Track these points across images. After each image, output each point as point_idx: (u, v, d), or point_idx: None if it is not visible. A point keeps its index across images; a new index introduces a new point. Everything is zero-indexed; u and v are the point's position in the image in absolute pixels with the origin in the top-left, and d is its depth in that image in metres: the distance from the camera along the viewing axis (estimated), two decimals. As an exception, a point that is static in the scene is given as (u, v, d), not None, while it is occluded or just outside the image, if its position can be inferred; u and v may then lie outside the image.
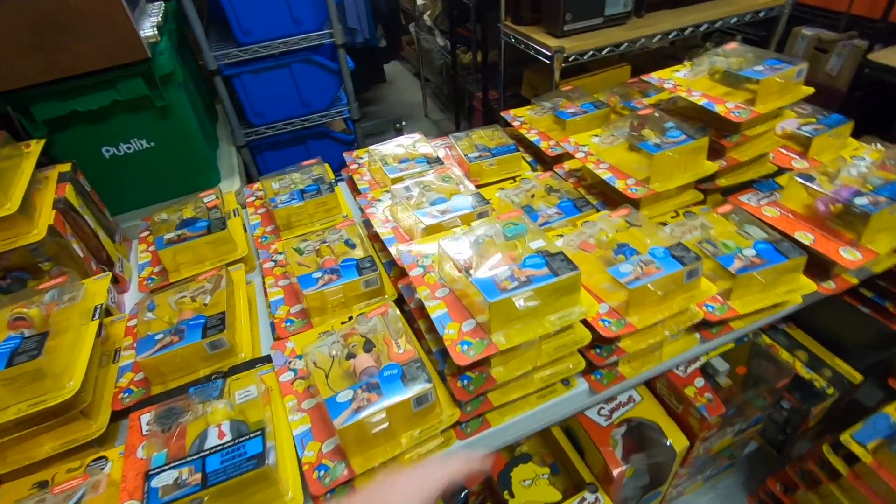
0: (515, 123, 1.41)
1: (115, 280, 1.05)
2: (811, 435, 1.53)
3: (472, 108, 2.64)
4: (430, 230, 0.92)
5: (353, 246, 0.98)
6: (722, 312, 0.84)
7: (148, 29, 1.13)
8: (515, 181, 1.22)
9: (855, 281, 0.96)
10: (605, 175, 1.05)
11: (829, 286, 0.94)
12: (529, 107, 1.42)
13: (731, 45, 1.16)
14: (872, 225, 0.88)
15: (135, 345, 0.82)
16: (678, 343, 0.87)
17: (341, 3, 2.68)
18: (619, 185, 1.01)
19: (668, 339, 0.82)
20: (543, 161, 1.31)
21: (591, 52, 1.57)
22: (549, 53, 1.54)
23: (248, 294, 1.00)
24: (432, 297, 0.76)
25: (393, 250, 0.91)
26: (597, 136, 1.17)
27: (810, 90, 1.07)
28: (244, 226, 1.16)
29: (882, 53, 2.03)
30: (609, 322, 0.75)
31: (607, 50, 1.58)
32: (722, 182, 1.12)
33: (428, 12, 3.11)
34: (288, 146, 1.94)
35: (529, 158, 1.34)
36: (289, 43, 1.69)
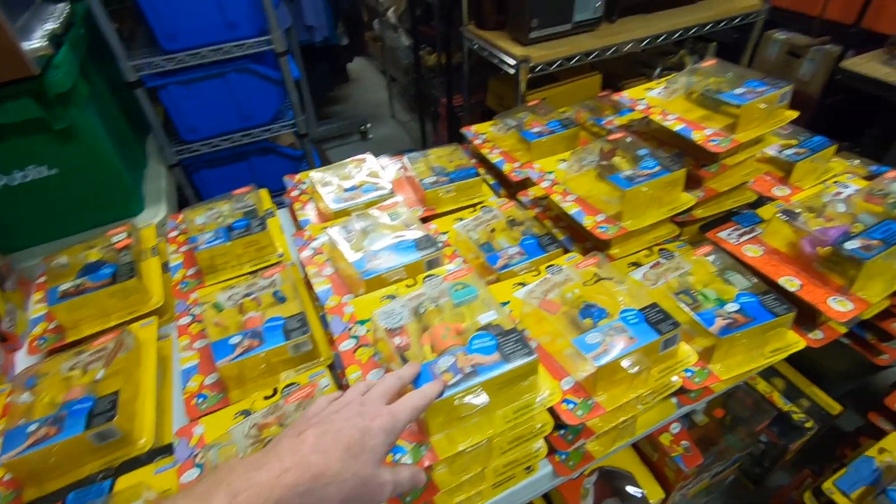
0: (477, 141, 1.28)
1: (2, 338, 0.89)
2: (789, 465, 1.47)
3: (438, 114, 2.50)
4: (371, 284, 0.79)
5: (282, 300, 0.84)
6: (702, 378, 0.74)
7: (38, 40, 0.95)
8: (476, 209, 1.11)
9: (843, 330, 0.87)
10: (573, 210, 0.93)
11: (816, 336, 0.86)
12: (493, 122, 1.30)
13: (710, 63, 1.06)
14: (865, 272, 0.79)
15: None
16: (652, 412, 0.77)
17: (295, 2, 2.50)
18: (587, 222, 0.90)
19: (641, 412, 0.72)
20: (508, 184, 1.20)
21: (560, 62, 1.45)
22: (513, 63, 1.42)
23: (161, 354, 0.85)
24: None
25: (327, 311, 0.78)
26: (564, 160, 1.05)
27: (795, 114, 0.98)
28: (165, 265, 1.01)
29: (854, 61, 1.98)
30: (574, 403, 0.64)
31: (576, 59, 1.47)
32: (699, 213, 1.03)
33: (392, 8, 2.95)
34: (228, 163, 1.76)
35: (492, 181, 1.23)
36: (222, 50, 1.51)
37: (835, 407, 1.35)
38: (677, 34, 1.59)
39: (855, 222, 0.87)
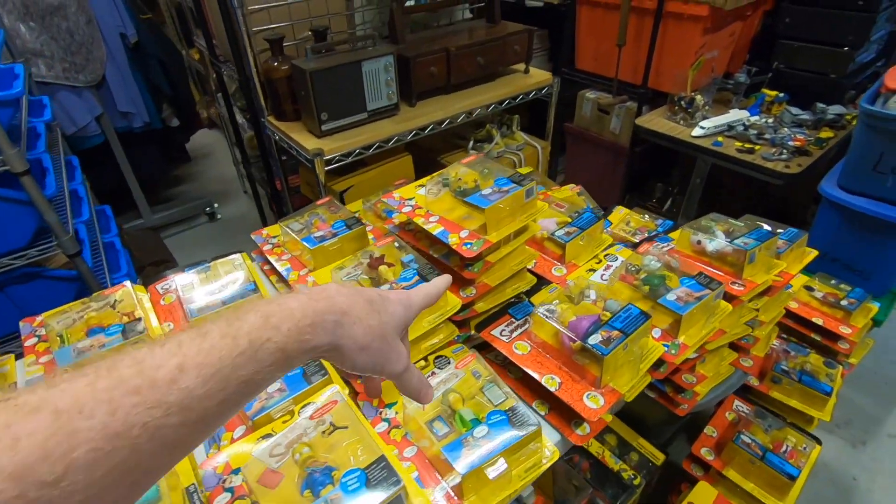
0: (266, 247, 1.20)
1: None
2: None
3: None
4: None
5: None
6: (455, 520, 0.69)
7: None
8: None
9: (609, 418, 0.89)
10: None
11: (584, 432, 0.86)
12: (285, 221, 1.22)
13: (471, 158, 1.08)
14: (608, 366, 0.81)
15: None
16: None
17: (101, 89, 2.31)
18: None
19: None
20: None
21: (358, 151, 1.43)
22: (308, 157, 1.37)
23: None
24: None
25: None
26: (339, 268, 1.00)
27: (543, 207, 1.01)
28: None
29: (645, 118, 2.23)
30: None
31: (376, 146, 1.46)
32: (481, 307, 1.02)
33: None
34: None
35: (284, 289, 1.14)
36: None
37: (658, 457, 1.40)
38: (476, 112, 1.67)
39: (604, 310, 0.90)
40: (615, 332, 0.82)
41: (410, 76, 1.50)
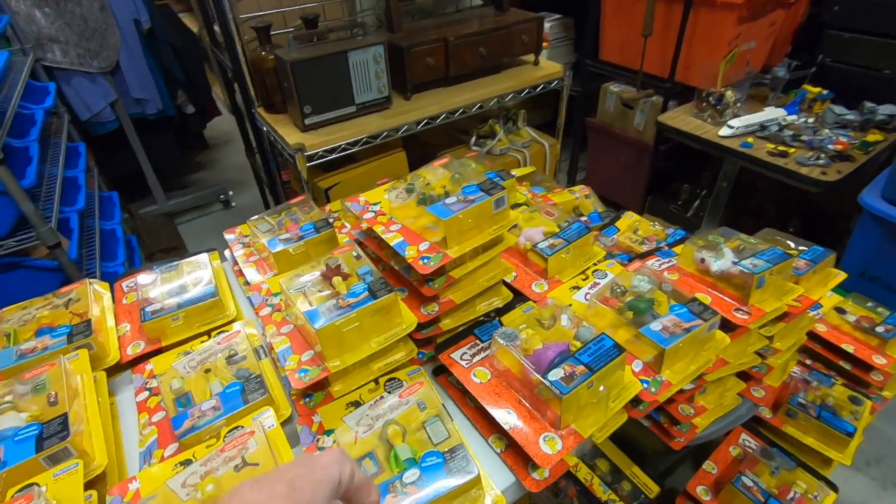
0: (237, 247, 1.15)
1: None
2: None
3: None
4: None
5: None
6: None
7: None
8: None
9: (573, 461, 0.79)
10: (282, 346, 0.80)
11: (541, 476, 0.76)
12: (254, 221, 1.16)
13: (442, 161, 0.99)
14: (569, 405, 0.71)
15: None
16: None
17: (116, 75, 2.32)
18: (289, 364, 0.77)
19: None
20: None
21: (343, 147, 1.36)
22: (290, 152, 1.31)
23: None
24: None
25: None
26: (298, 275, 0.93)
27: (517, 213, 0.92)
28: None
29: (669, 115, 2.07)
30: None
31: (363, 142, 1.38)
32: (448, 324, 0.93)
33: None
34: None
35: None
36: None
37: (652, 489, 1.29)
38: (477, 106, 1.56)
39: (575, 338, 0.80)
40: (580, 368, 0.72)
41: (405, 67, 1.41)
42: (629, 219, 1.53)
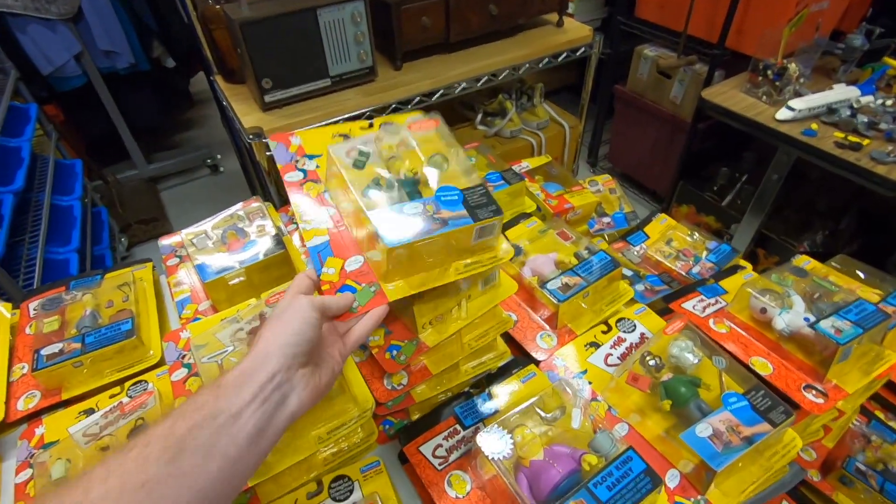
0: (172, 261, 0.92)
1: None
2: None
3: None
4: None
5: None
6: None
7: None
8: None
9: None
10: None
11: None
12: (191, 232, 0.92)
13: (430, 123, 0.73)
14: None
15: None
16: None
17: (80, 24, 2.03)
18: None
19: None
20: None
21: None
22: (247, 139, 1.05)
23: None
24: None
25: None
26: (226, 324, 0.71)
27: (520, 231, 0.67)
28: None
29: (715, 89, 1.75)
30: None
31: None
32: (422, 393, 0.71)
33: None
34: None
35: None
36: None
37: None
38: (484, 80, 1.27)
39: (590, 445, 0.57)
40: (591, 510, 0.50)
41: (393, 30, 1.12)
42: (661, 223, 1.27)
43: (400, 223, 0.53)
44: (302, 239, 0.60)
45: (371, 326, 0.53)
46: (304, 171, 0.63)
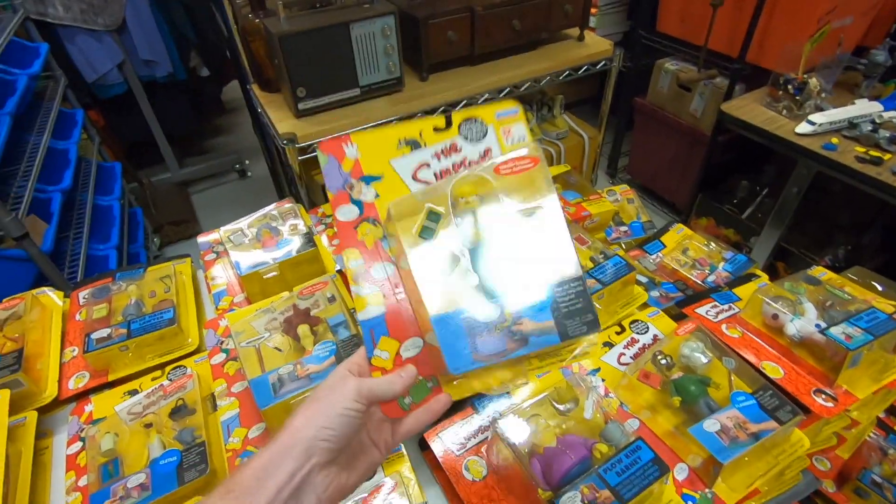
0: (209, 256, 0.99)
1: None
2: None
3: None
4: None
5: None
6: None
7: None
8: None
9: None
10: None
11: None
12: (230, 229, 0.98)
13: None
14: (585, 547, 0.52)
15: None
16: None
17: (123, 34, 2.15)
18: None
19: None
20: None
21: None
22: (281, 144, 1.12)
23: None
24: None
25: None
26: (261, 314, 0.76)
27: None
28: None
29: (734, 103, 1.76)
30: None
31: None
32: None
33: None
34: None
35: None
36: None
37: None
38: (504, 91, 1.32)
39: (601, 435, 0.61)
40: (605, 494, 0.53)
41: (421, 43, 1.18)
42: (678, 233, 1.29)
43: (469, 337, 0.42)
44: (354, 308, 0.51)
45: (429, 420, 0.46)
46: (359, 203, 0.48)
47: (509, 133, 0.49)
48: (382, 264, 0.47)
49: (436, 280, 0.44)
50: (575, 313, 0.43)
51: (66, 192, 1.46)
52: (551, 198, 0.45)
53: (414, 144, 0.49)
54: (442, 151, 0.48)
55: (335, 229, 0.52)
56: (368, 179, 0.48)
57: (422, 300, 0.43)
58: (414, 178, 0.48)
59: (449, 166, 0.48)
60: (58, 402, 0.80)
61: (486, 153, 0.48)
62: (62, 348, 0.86)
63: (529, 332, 0.43)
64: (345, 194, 0.48)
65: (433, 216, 0.45)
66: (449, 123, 0.49)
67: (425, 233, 0.45)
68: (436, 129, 0.49)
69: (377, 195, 0.48)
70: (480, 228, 0.45)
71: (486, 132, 0.49)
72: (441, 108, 1.23)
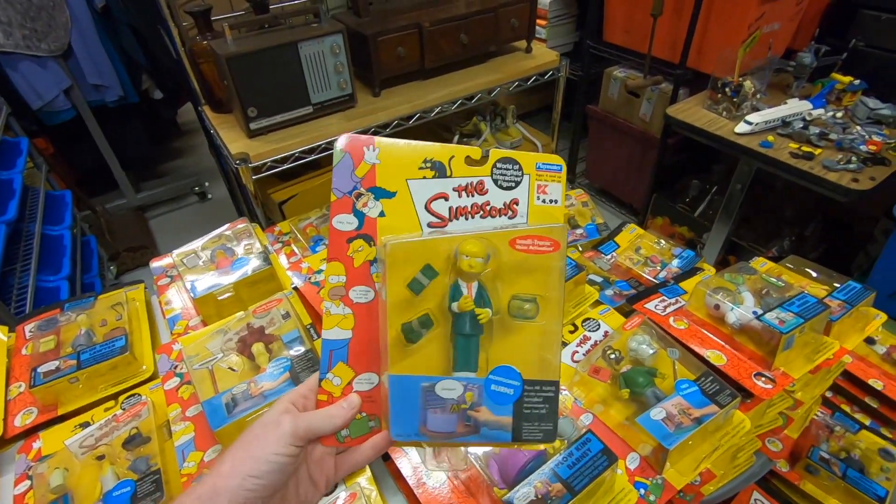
0: (163, 281, 0.97)
1: None
2: None
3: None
4: None
5: None
6: None
7: None
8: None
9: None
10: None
11: None
12: (182, 252, 0.97)
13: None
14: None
15: None
16: None
17: (69, 60, 2.10)
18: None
19: None
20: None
21: (297, 155, 1.16)
22: (234, 165, 1.12)
23: None
24: None
25: None
26: (214, 335, 0.76)
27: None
28: None
29: (678, 107, 1.85)
30: None
31: (321, 149, 1.19)
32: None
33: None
34: None
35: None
36: None
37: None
38: (457, 104, 1.35)
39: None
40: (557, 487, 0.55)
41: (371, 59, 1.20)
42: (630, 233, 1.34)
43: (421, 409, 0.41)
44: (310, 324, 0.49)
45: (374, 456, 0.45)
46: (361, 216, 0.43)
47: (545, 191, 0.44)
48: (364, 289, 0.43)
49: (407, 337, 0.41)
50: (535, 417, 0.41)
51: (10, 224, 1.40)
52: (556, 295, 0.42)
53: (440, 169, 0.43)
54: (466, 187, 0.43)
55: (326, 244, 0.46)
56: (379, 194, 0.43)
57: (388, 349, 0.41)
58: (427, 207, 0.43)
59: (468, 206, 0.43)
60: (4, 442, 0.77)
61: (512, 204, 0.44)
62: (7, 385, 0.83)
63: (483, 422, 0.41)
64: (349, 202, 0.42)
65: (429, 271, 0.41)
66: (485, 158, 0.44)
67: (414, 285, 0.41)
68: (468, 161, 0.43)
69: (382, 213, 0.43)
70: (472, 298, 0.41)
71: (521, 182, 0.44)
72: (395, 122, 1.26)
